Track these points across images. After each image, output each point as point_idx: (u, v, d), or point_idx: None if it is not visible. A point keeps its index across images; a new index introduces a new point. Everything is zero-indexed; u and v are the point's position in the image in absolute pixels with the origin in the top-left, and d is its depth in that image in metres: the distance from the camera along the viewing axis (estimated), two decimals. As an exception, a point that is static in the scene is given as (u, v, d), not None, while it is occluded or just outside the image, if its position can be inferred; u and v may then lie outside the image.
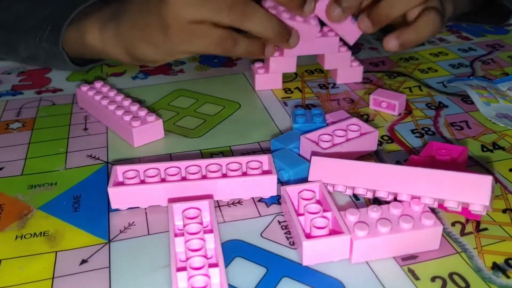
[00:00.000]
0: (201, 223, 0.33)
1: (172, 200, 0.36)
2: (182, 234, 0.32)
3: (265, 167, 0.39)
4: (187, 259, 0.30)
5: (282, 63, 0.54)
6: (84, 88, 0.51)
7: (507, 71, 0.59)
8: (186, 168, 0.38)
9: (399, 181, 0.34)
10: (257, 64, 0.56)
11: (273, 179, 0.37)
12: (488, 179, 0.32)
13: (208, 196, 0.37)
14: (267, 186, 0.37)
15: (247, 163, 0.38)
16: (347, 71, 0.56)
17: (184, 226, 0.33)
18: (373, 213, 0.33)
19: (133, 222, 0.36)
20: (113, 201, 0.37)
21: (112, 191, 0.36)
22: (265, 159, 0.39)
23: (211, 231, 0.33)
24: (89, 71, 0.62)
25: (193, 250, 0.31)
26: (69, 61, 0.57)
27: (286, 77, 0.58)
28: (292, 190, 0.36)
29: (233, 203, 0.38)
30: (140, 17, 0.48)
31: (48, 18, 0.57)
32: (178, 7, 0.45)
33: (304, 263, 0.32)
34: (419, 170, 0.33)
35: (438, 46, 0.67)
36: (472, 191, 0.32)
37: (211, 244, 0.32)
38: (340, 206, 0.37)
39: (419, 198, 0.33)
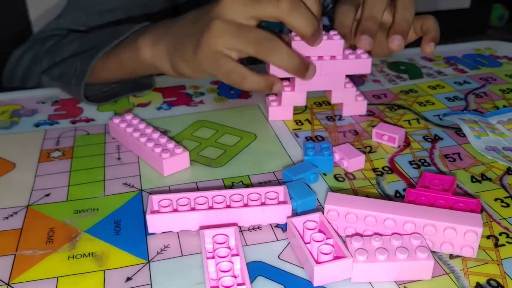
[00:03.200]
0: (228, 247, 0.39)
1: (203, 227, 0.42)
2: (213, 257, 0.38)
3: (281, 198, 0.45)
4: (219, 278, 0.36)
5: (293, 97, 0.60)
6: (116, 120, 0.58)
7: (498, 104, 0.65)
8: (212, 198, 0.44)
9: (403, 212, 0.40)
10: (271, 97, 0.62)
11: (288, 208, 0.43)
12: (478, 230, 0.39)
13: (233, 224, 0.43)
14: (283, 214, 0.43)
15: (265, 193, 0.44)
16: (352, 105, 0.62)
17: (214, 250, 0.39)
18: (375, 242, 0.39)
19: (168, 244, 0.42)
20: (151, 226, 0.43)
21: (150, 218, 0.42)
22: (281, 190, 0.45)
23: (237, 255, 0.39)
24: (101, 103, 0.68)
25: (223, 271, 0.37)
26: (82, 93, 0.65)
27: (297, 109, 0.64)
28: (297, 221, 0.42)
29: (253, 228, 0.44)
30: (185, 37, 0.57)
31: (96, 42, 0.68)
32: (218, 34, 0.53)
33: (315, 285, 0.38)
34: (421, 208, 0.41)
35: (436, 79, 0.73)
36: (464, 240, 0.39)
37: (238, 265, 0.38)
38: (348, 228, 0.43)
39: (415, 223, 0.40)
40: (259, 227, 0.44)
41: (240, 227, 0.44)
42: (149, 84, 0.71)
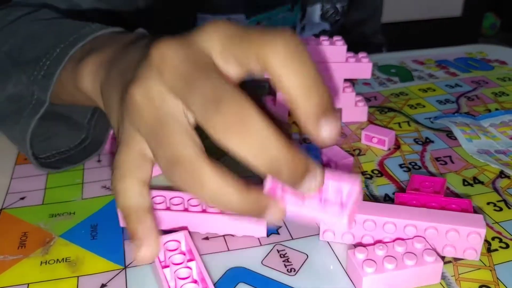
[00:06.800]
0: (182, 253, 0.37)
1: (176, 229, 0.40)
2: (168, 265, 0.36)
3: None
4: (180, 286, 0.35)
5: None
6: (98, 122, 0.56)
7: (490, 107, 0.64)
8: (188, 200, 0.42)
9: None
10: (268, 97, 0.61)
11: (262, 221, 0.40)
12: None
13: (184, 228, 0.41)
14: (258, 227, 0.41)
15: None
16: (352, 111, 0.60)
17: (168, 257, 0.37)
18: (379, 250, 0.37)
19: (146, 249, 0.40)
20: (121, 219, 0.41)
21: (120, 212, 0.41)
22: None
23: (193, 259, 0.37)
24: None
25: (182, 278, 0.35)
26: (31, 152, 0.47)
27: (285, 112, 0.62)
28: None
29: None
30: (122, 68, 0.36)
31: (50, 50, 0.47)
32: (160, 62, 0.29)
33: None
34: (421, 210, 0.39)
35: (427, 82, 0.72)
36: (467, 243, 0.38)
37: (195, 270, 0.37)
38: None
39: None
40: (242, 232, 0.42)
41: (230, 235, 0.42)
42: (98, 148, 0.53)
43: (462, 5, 2.67)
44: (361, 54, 0.58)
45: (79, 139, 0.53)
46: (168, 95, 0.30)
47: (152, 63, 0.30)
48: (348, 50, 0.58)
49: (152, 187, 0.46)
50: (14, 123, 0.47)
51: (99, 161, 0.53)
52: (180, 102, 0.30)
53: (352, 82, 0.71)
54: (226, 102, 0.26)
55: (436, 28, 2.62)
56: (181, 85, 0.28)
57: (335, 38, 0.57)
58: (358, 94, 0.64)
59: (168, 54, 0.29)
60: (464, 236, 0.37)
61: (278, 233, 0.42)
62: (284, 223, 0.43)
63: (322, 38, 0.57)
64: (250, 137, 0.26)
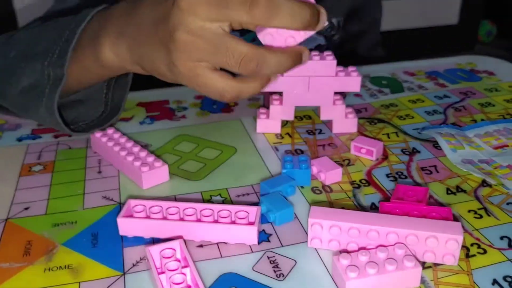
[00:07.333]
0: (177, 260, 0.40)
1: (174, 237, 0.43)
2: (163, 272, 0.39)
3: (251, 218, 0.45)
4: None
5: (281, 110, 0.61)
6: (98, 134, 0.58)
7: (476, 118, 0.66)
8: (184, 210, 0.45)
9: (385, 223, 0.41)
10: (262, 110, 0.63)
11: (253, 229, 0.43)
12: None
13: (179, 237, 0.43)
14: (249, 235, 0.43)
15: (235, 212, 0.45)
16: (342, 122, 0.63)
17: (164, 264, 0.39)
18: (363, 256, 0.39)
19: (144, 256, 0.43)
20: (121, 229, 0.44)
21: (120, 221, 0.44)
22: (253, 210, 0.45)
23: (187, 266, 0.40)
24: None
25: (176, 284, 0.38)
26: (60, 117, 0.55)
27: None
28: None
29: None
30: (148, 43, 0.47)
31: (57, 39, 0.54)
32: (187, 49, 0.43)
33: None
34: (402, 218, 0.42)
35: (417, 93, 0.74)
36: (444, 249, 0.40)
37: (189, 276, 0.39)
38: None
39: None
40: (234, 239, 0.44)
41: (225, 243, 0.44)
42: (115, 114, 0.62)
43: (458, 13, 2.71)
44: (351, 68, 0.61)
45: (98, 113, 0.62)
46: (206, 23, 0.42)
47: (183, 8, 0.42)
48: (348, 63, 0.61)
49: (149, 198, 0.49)
50: (37, 107, 0.55)
51: (99, 172, 0.55)
52: (215, 23, 0.43)
53: (343, 94, 0.73)
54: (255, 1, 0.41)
55: (433, 36, 2.65)
56: (216, 11, 0.42)
57: (326, 53, 0.59)
58: (349, 105, 0.66)
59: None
60: (442, 243, 0.40)
61: (268, 241, 0.44)
62: (275, 231, 0.45)
63: (313, 53, 0.59)
64: (283, 15, 0.41)
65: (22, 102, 0.57)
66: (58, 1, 0.73)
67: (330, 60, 0.58)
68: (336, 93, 0.61)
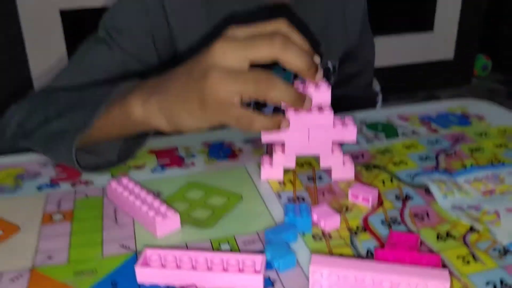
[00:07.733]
0: None
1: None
2: None
3: (257, 267, 0.49)
4: None
5: (283, 158, 0.66)
6: (114, 185, 0.63)
7: (466, 163, 0.71)
8: (195, 258, 0.49)
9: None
10: (265, 157, 0.68)
11: (259, 278, 0.47)
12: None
13: (192, 285, 0.48)
14: (256, 283, 0.48)
15: (243, 260, 0.49)
16: (340, 170, 0.67)
17: None
18: None
19: (160, 303, 0.47)
20: (139, 276, 0.49)
21: (138, 270, 0.49)
22: (259, 259, 0.49)
23: None
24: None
25: None
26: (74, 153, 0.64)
27: (280, 170, 0.69)
28: None
29: (237, 287, 0.48)
30: (184, 91, 0.58)
31: (93, 99, 0.67)
32: (219, 83, 0.54)
33: None
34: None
35: (411, 139, 0.79)
36: None
37: None
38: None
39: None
40: (242, 286, 0.49)
41: None
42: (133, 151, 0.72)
43: (454, 48, 2.78)
44: (347, 118, 0.65)
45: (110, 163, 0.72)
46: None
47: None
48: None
49: (163, 246, 0.53)
50: (58, 146, 0.66)
51: (115, 221, 0.60)
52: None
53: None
54: (260, 73, 0.56)
55: (429, 71, 2.71)
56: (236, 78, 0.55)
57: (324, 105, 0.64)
58: (346, 153, 0.71)
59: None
60: None
61: (273, 286, 0.48)
62: (279, 278, 0.49)
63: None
64: (280, 87, 0.56)
65: (46, 143, 0.69)
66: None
67: (327, 113, 0.63)
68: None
